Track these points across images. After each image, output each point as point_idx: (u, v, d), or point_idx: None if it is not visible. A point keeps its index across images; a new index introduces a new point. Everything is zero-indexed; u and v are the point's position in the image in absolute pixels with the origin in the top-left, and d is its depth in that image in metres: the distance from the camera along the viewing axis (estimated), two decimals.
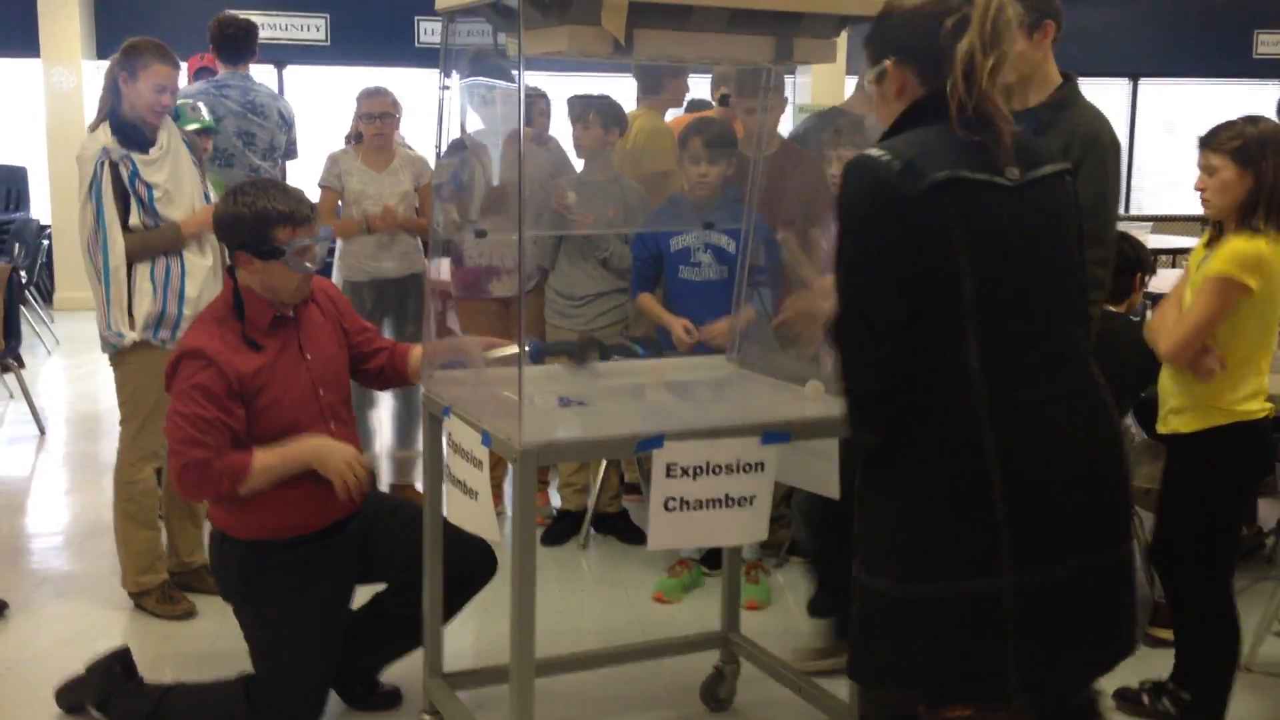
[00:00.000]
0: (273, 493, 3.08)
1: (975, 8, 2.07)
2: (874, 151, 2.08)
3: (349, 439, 3.26)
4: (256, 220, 3.08)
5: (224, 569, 3.28)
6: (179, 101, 4.92)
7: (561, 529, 4.95)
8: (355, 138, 5.18)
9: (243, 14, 5.77)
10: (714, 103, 5.54)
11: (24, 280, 8.22)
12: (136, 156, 3.90)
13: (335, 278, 5.07)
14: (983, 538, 2.06)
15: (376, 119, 5.01)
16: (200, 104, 4.96)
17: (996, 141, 2.09)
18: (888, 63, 2.17)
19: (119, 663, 3.36)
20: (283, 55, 11.26)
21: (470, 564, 3.29)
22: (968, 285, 2.04)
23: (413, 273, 5.11)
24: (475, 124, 4.78)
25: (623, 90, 5.29)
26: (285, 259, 3.10)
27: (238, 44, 5.52)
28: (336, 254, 5.12)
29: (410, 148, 5.38)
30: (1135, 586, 2.29)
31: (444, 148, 3.38)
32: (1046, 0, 3.08)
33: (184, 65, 4.34)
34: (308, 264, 3.15)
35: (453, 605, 3.33)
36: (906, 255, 2.04)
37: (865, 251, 2.08)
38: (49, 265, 10.63)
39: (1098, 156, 3.01)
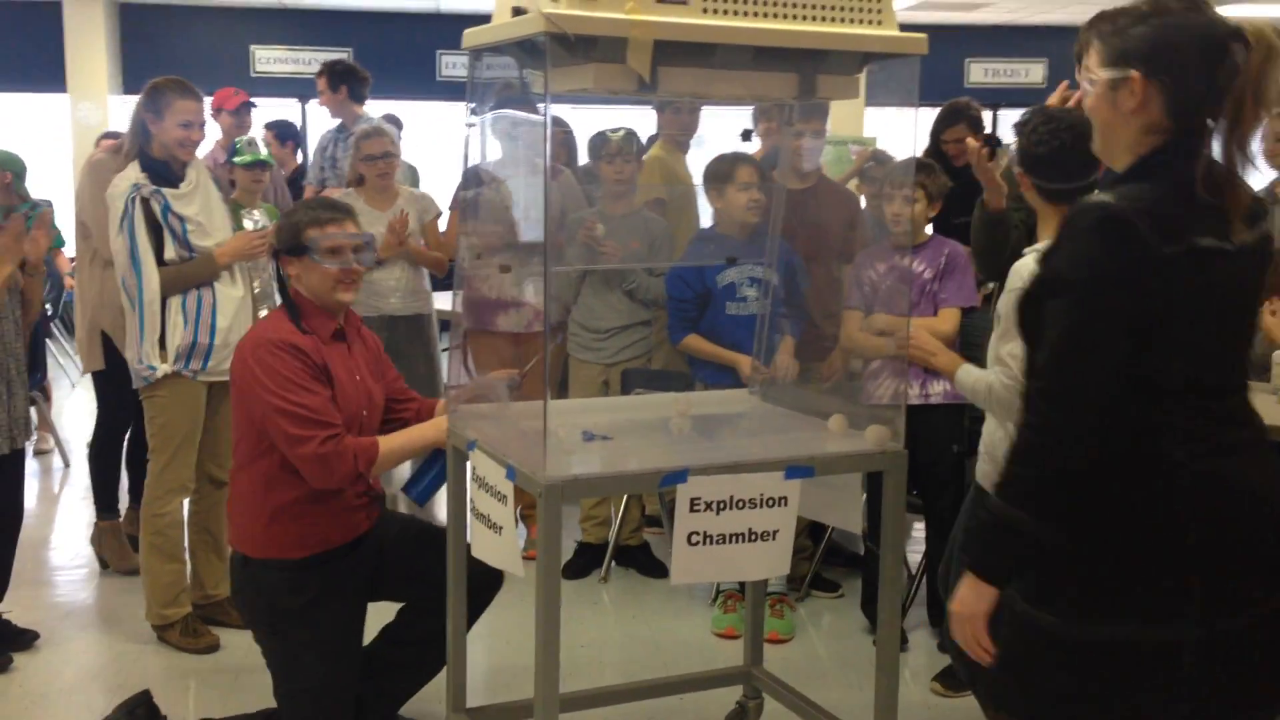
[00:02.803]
0: (296, 511, 3.13)
1: (1254, 51, 1.93)
2: (1119, 203, 1.93)
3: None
4: (291, 226, 3.26)
5: (247, 592, 3.29)
6: (236, 139, 5.02)
7: (583, 562, 4.95)
8: (356, 180, 5.14)
9: (267, 49, 5.95)
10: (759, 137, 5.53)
11: (49, 313, 8.29)
12: (167, 191, 3.95)
13: None
14: (1172, 586, 1.98)
15: (379, 159, 5.01)
16: (257, 140, 5.05)
17: (1235, 205, 1.97)
18: (1134, 74, 1.99)
19: (142, 704, 3.37)
20: (307, 89, 11.35)
21: (475, 578, 3.28)
22: (1179, 346, 1.98)
23: (420, 313, 5.10)
24: (498, 157, 4.83)
25: (639, 119, 5.32)
26: (311, 254, 3.20)
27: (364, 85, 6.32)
28: None
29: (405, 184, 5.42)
30: None
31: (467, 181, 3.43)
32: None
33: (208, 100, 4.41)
34: (338, 260, 3.23)
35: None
36: (1141, 319, 1.93)
37: (1102, 313, 1.93)
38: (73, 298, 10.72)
39: None
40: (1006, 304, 2.98)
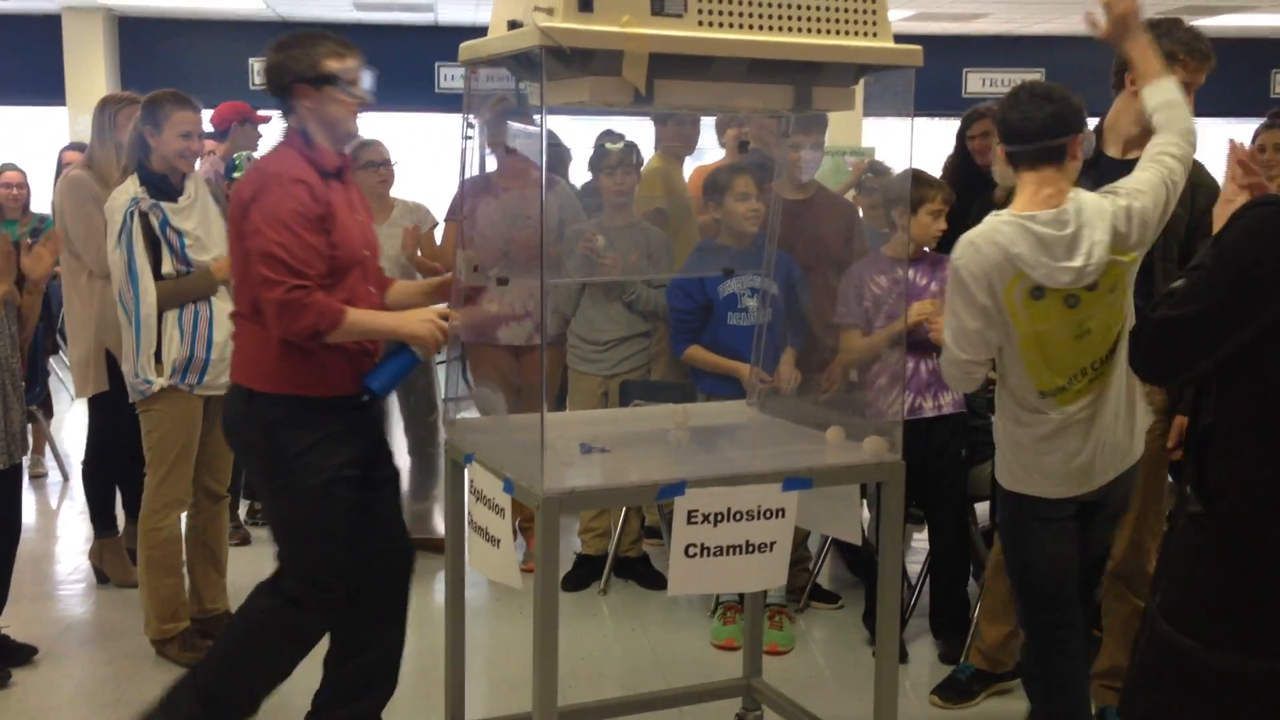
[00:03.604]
0: (304, 351, 3.07)
1: None
2: None
3: (379, 306, 3.27)
4: (307, 53, 3.11)
5: (246, 425, 3.17)
6: (234, 154, 5.02)
7: (582, 574, 4.94)
8: None
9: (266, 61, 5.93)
10: (722, 147, 5.57)
11: (51, 327, 8.29)
12: (166, 205, 3.96)
13: None
14: None
15: (379, 166, 4.99)
16: (254, 155, 5.05)
17: None
18: None
19: None
20: None
21: (386, 565, 3.30)
22: None
23: None
24: (495, 168, 4.83)
25: (636, 129, 5.32)
26: (339, 85, 3.10)
27: None
28: None
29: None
30: None
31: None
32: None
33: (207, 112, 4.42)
34: (359, 93, 3.16)
35: (394, 615, 3.36)
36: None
37: (1235, 292, 1.97)
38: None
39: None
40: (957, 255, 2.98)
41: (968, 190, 4.38)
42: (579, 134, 5.97)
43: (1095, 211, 2.83)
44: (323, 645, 3.30)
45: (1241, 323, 1.95)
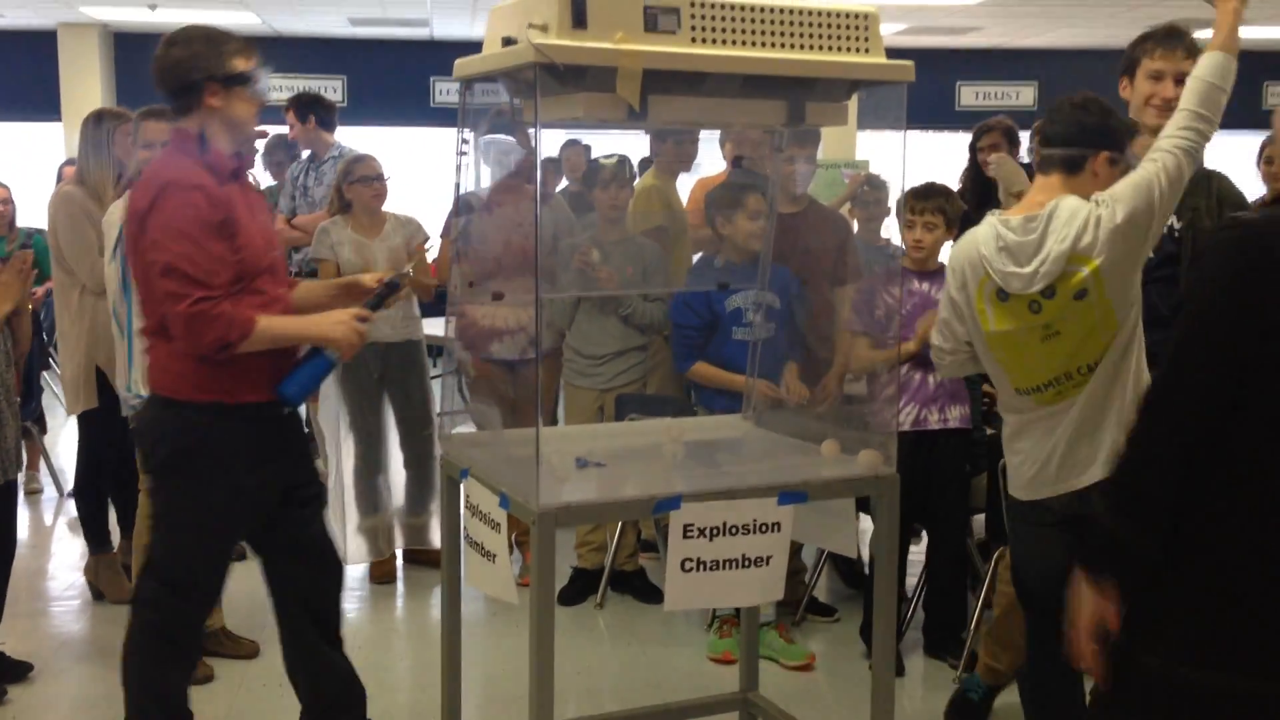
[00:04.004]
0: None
1: None
2: (1261, 223, 1.90)
3: (290, 308, 3.19)
4: (217, 51, 3.01)
5: (164, 433, 3.05)
6: None
7: (579, 588, 4.94)
8: (342, 207, 5.06)
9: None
10: (725, 160, 5.60)
11: (44, 341, 8.28)
12: None
13: None
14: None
15: (374, 180, 5.00)
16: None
17: None
18: None
19: None
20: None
21: (318, 588, 3.27)
22: None
23: (411, 339, 5.09)
24: (490, 182, 4.84)
25: (633, 145, 5.35)
26: (249, 85, 3.03)
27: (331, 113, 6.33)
28: None
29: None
30: None
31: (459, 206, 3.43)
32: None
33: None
34: (263, 93, 3.10)
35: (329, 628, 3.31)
36: (1256, 347, 1.85)
37: (1210, 332, 1.88)
38: None
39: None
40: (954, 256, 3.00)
41: (982, 201, 4.49)
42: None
43: (1067, 218, 2.80)
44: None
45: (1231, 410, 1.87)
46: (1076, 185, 2.88)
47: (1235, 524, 1.89)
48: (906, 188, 3.88)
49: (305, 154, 6.37)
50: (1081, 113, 2.89)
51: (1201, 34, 3.29)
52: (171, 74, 3.02)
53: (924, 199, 4.13)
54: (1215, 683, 1.88)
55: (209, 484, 3.03)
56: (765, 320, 4.11)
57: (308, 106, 6.24)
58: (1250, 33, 11.23)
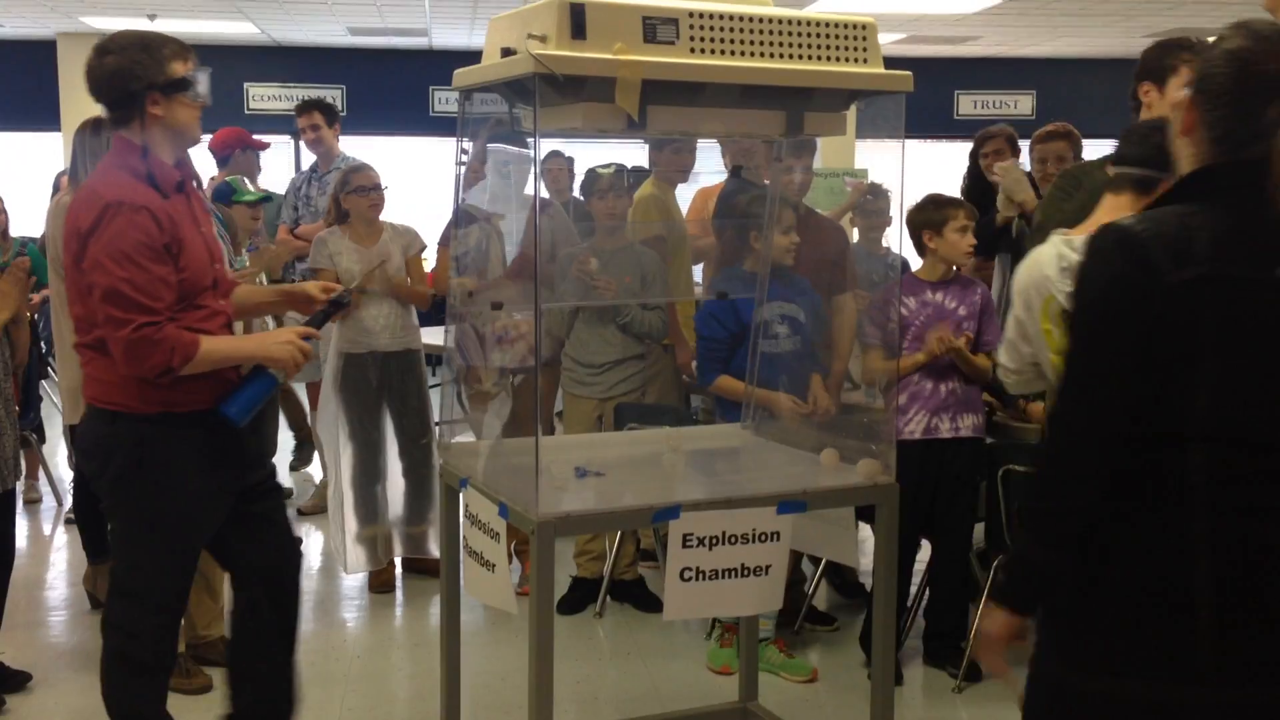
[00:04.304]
0: None
1: None
2: (1137, 224, 1.87)
3: (230, 313, 3.17)
4: (154, 58, 2.93)
5: (111, 448, 2.98)
6: (229, 178, 5.03)
7: (578, 597, 4.94)
8: (340, 217, 5.05)
9: (260, 86, 5.99)
10: (728, 172, 5.61)
11: (43, 350, 8.28)
12: None
13: (332, 350, 5.06)
14: (1179, 645, 1.86)
15: (371, 190, 5.01)
16: (246, 179, 5.07)
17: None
18: (1188, 93, 1.93)
19: None
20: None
21: (280, 579, 3.23)
22: (1205, 394, 1.83)
23: (409, 348, 5.09)
24: (490, 191, 4.85)
25: (632, 155, 5.35)
26: (189, 91, 2.96)
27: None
28: (335, 329, 5.07)
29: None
30: None
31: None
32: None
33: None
34: (203, 97, 3.04)
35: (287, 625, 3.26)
36: (1156, 351, 1.82)
37: (1105, 339, 1.86)
38: None
39: None
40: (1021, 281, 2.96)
41: (982, 209, 4.56)
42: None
43: None
44: (325, 665, 3.29)
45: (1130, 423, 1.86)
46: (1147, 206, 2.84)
47: (1138, 532, 1.88)
48: (905, 197, 3.87)
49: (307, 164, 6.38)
50: (1159, 135, 2.78)
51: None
52: (109, 83, 2.94)
53: (961, 206, 4.15)
54: (1131, 691, 1.89)
55: (165, 495, 2.99)
56: (791, 332, 4.06)
57: (334, 113, 6.27)
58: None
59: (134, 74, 2.91)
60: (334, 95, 11.61)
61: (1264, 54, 1.87)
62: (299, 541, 3.37)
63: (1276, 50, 1.88)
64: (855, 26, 2.78)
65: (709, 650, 4.39)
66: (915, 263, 4.35)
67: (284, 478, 6.65)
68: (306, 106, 6.33)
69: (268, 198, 5.09)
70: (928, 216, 4.14)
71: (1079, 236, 2.83)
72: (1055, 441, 1.94)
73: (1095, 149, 5.09)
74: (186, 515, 3.03)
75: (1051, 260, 2.85)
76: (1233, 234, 1.84)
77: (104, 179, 2.93)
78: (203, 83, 3.02)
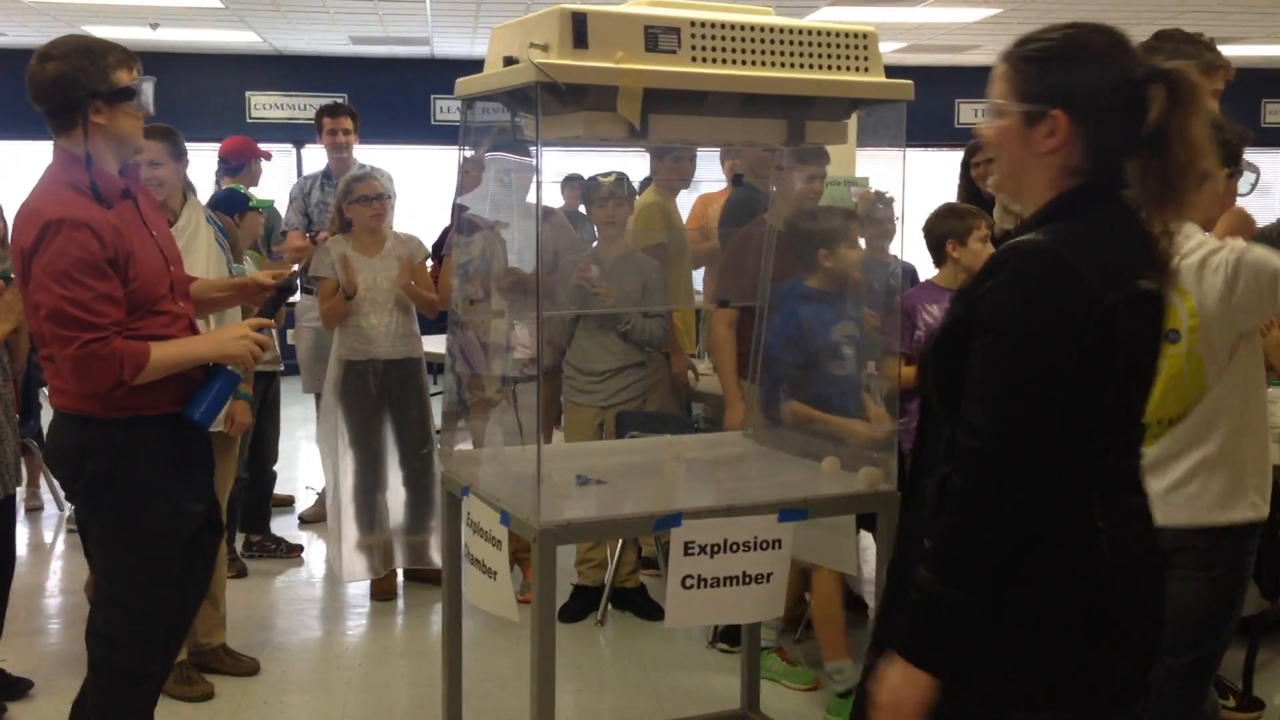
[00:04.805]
0: None
1: (1176, 93, 1.82)
2: (1060, 247, 1.80)
3: (192, 315, 3.15)
4: (97, 65, 2.87)
5: (84, 453, 2.94)
6: (232, 186, 5.04)
7: (579, 605, 4.94)
8: (344, 226, 5.06)
9: (262, 95, 6.00)
10: (727, 180, 5.63)
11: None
12: None
13: (333, 358, 5.06)
14: (1100, 668, 1.85)
15: (374, 200, 5.01)
16: (244, 189, 5.09)
17: (1163, 248, 1.87)
18: (1055, 112, 1.84)
19: None
20: (301, 134, 11.43)
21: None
22: (1102, 409, 1.84)
23: (410, 357, 5.08)
24: (492, 200, 4.86)
25: (636, 164, 5.37)
26: (134, 99, 2.92)
27: None
28: (335, 338, 5.07)
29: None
30: None
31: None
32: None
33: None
34: (148, 105, 3.01)
35: None
36: (1081, 373, 1.79)
37: (1047, 365, 1.78)
38: None
39: None
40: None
41: None
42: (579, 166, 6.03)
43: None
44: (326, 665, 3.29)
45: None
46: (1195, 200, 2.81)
47: (1052, 558, 1.83)
48: (906, 206, 3.86)
49: (314, 169, 6.36)
50: (1217, 132, 2.77)
51: None
52: (50, 90, 2.88)
53: (982, 216, 4.16)
54: None
55: (144, 499, 2.97)
56: (854, 352, 3.91)
57: (358, 120, 6.26)
58: (1249, 50, 11.27)
59: (76, 81, 2.85)
60: (341, 100, 11.63)
61: (1127, 58, 1.86)
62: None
63: (1131, 53, 1.87)
64: (856, 36, 2.79)
65: (828, 703, 4.09)
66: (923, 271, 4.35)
67: (287, 484, 6.66)
68: (338, 110, 6.25)
69: (259, 207, 5.11)
70: (952, 226, 4.14)
71: None
72: (993, 474, 1.79)
73: None
74: (167, 518, 3.02)
75: None
76: (1129, 250, 1.84)
77: (44, 195, 2.88)
78: (147, 92, 2.98)
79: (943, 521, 1.84)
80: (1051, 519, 1.81)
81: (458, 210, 5.71)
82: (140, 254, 2.91)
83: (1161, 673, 2.86)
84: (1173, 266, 1.90)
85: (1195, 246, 2.67)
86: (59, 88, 2.87)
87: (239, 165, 6.16)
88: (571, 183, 7.17)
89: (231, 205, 4.94)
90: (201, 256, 4.08)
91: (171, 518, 3.02)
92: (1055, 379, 1.78)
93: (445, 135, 11.65)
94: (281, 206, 6.55)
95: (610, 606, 4.94)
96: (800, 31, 2.73)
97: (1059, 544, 1.83)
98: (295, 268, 3.83)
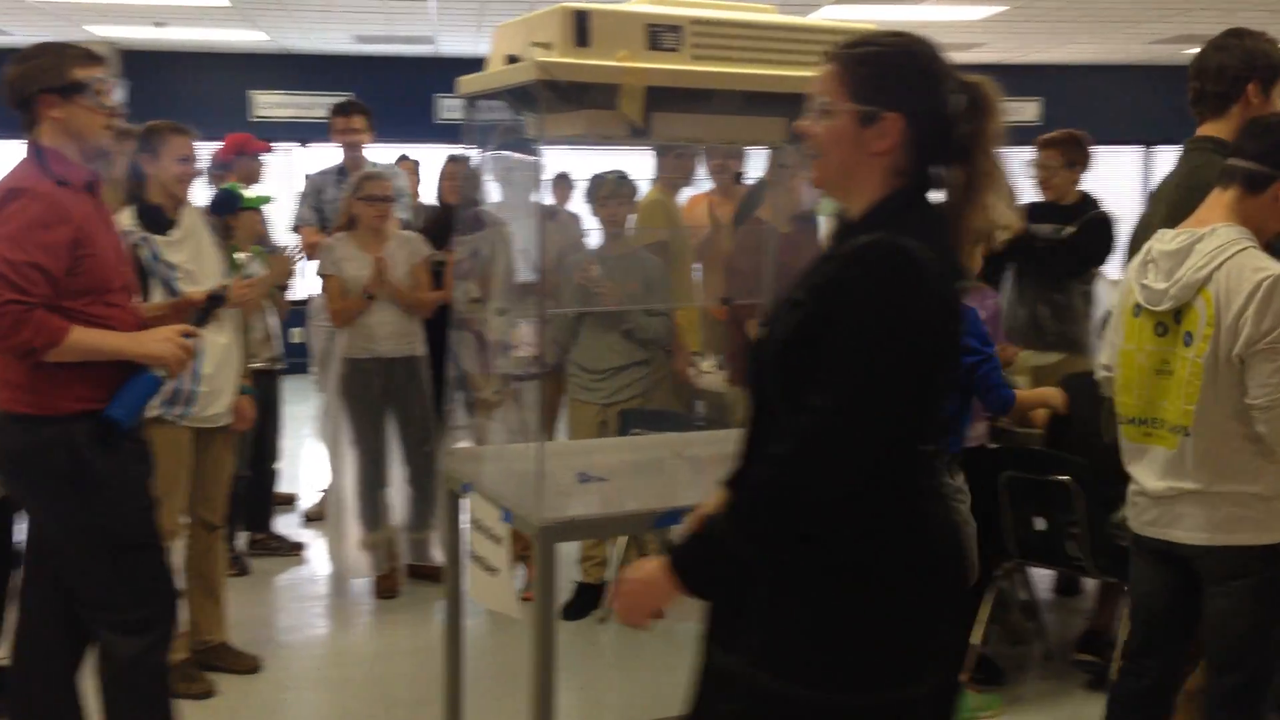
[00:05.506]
0: (83, 364, 2.93)
1: (981, 102, 1.94)
2: (909, 244, 1.83)
3: (143, 317, 3.18)
4: (54, 62, 2.97)
5: (43, 454, 2.94)
6: (225, 185, 5.04)
7: (582, 603, 4.94)
8: (348, 223, 5.08)
9: (266, 94, 5.98)
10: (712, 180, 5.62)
11: None
12: (157, 239, 3.95)
13: (336, 356, 5.06)
14: (926, 643, 1.91)
15: (379, 200, 5.03)
16: (237, 187, 5.09)
17: (969, 248, 1.98)
18: (889, 114, 1.89)
19: None
20: (306, 134, 11.43)
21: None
22: (930, 401, 1.87)
23: (412, 355, 5.07)
24: (497, 198, 4.87)
25: (630, 161, 5.36)
26: (87, 94, 2.96)
27: None
28: (339, 336, 5.08)
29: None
30: None
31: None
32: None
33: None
34: (110, 104, 3.04)
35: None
36: (929, 367, 1.83)
37: (900, 358, 1.80)
38: None
39: None
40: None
41: None
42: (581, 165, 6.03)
43: (1215, 249, 2.65)
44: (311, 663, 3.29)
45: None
46: (1254, 206, 2.72)
47: (882, 543, 1.87)
48: None
49: (325, 166, 6.34)
50: (1272, 134, 2.75)
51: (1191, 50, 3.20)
52: (11, 89, 2.98)
53: None
54: (864, 701, 1.87)
55: (113, 495, 2.97)
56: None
57: (371, 118, 6.24)
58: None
59: (30, 78, 2.95)
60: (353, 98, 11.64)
61: (948, 68, 1.95)
62: None
63: (949, 63, 1.95)
64: (856, 34, 2.78)
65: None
66: None
67: (290, 483, 6.66)
68: (350, 108, 6.20)
69: (257, 204, 5.10)
70: None
71: (1174, 230, 2.78)
72: (815, 444, 1.80)
73: (1104, 156, 5.06)
74: (137, 512, 3.03)
75: (1145, 251, 2.81)
76: (948, 249, 1.90)
77: (13, 173, 2.96)
78: (108, 89, 3.02)
79: (752, 476, 1.90)
80: (869, 504, 1.84)
81: (434, 210, 5.72)
82: (100, 240, 2.96)
83: (1209, 698, 2.85)
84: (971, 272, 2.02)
85: (1231, 256, 2.64)
86: (16, 85, 2.97)
87: (226, 162, 6.14)
88: (561, 181, 7.19)
89: (222, 206, 4.93)
90: (209, 259, 4.09)
91: (142, 508, 3.04)
92: (911, 373, 1.80)
93: (449, 134, 11.67)
94: (286, 203, 6.54)
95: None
96: (801, 29, 2.73)
97: (894, 530, 1.88)
98: (219, 284, 3.87)
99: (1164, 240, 2.78)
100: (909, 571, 1.89)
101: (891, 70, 1.92)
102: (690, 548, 1.94)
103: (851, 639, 1.87)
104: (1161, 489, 2.76)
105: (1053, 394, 4.15)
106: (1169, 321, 2.74)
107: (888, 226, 1.86)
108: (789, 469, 1.81)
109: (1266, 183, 2.71)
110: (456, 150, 5.89)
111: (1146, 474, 2.81)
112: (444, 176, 5.74)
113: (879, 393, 1.79)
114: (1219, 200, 2.75)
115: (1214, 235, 2.68)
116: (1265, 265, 2.62)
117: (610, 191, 4.81)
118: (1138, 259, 2.84)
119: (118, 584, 3.03)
